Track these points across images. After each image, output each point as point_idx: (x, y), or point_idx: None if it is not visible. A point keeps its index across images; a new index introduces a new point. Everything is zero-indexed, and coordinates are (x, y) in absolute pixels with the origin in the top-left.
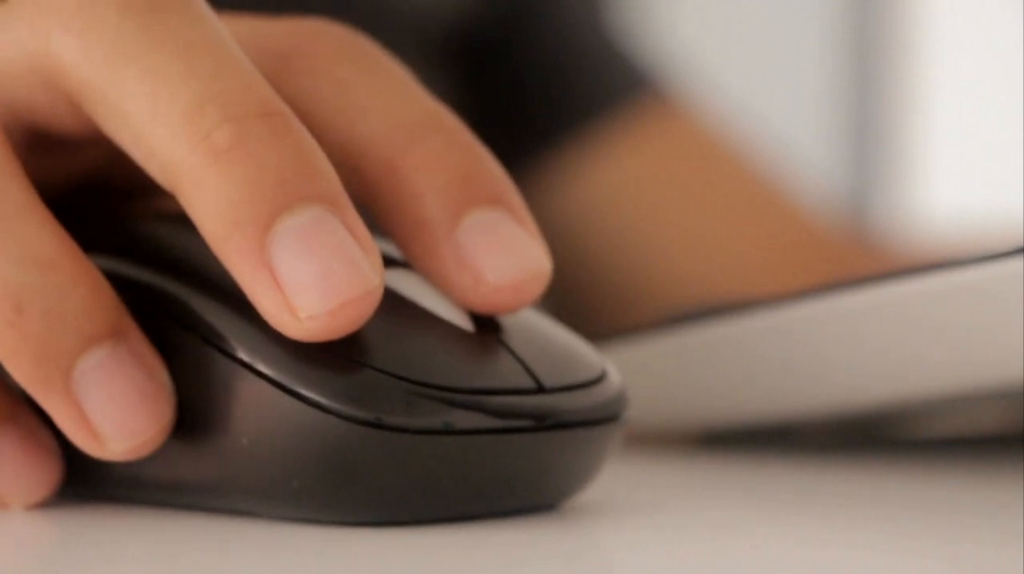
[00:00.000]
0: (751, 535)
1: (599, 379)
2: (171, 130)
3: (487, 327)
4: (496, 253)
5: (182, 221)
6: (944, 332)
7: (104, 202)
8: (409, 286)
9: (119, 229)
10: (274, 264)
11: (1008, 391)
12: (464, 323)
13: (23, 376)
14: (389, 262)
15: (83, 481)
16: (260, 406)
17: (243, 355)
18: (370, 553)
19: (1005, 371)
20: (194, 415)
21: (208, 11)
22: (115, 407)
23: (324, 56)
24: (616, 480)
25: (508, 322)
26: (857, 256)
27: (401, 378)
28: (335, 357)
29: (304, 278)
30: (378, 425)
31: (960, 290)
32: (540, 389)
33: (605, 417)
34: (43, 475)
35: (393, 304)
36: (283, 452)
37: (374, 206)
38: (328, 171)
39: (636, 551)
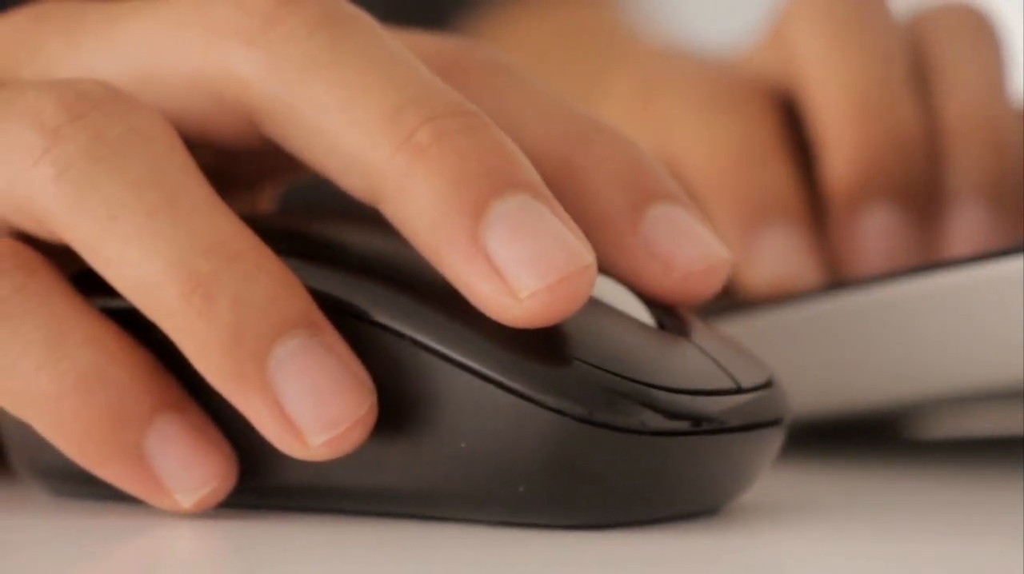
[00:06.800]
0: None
1: (772, 378)
2: (371, 136)
3: (675, 328)
4: (682, 242)
5: (356, 221)
6: (944, 332)
7: None
8: (599, 291)
9: (286, 232)
10: (489, 248)
11: (1008, 391)
12: (654, 324)
13: (216, 370)
14: None
15: (272, 492)
16: (480, 406)
17: (457, 355)
18: (543, 555)
19: (1005, 371)
20: (399, 418)
21: (381, 27)
22: (315, 396)
23: (479, 70)
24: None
25: (690, 323)
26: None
27: (637, 381)
28: (551, 354)
29: (520, 257)
30: (614, 427)
31: (960, 290)
32: (739, 389)
33: (787, 415)
34: (210, 469)
35: (593, 306)
36: (510, 454)
37: None
38: (526, 162)
39: (834, 553)
